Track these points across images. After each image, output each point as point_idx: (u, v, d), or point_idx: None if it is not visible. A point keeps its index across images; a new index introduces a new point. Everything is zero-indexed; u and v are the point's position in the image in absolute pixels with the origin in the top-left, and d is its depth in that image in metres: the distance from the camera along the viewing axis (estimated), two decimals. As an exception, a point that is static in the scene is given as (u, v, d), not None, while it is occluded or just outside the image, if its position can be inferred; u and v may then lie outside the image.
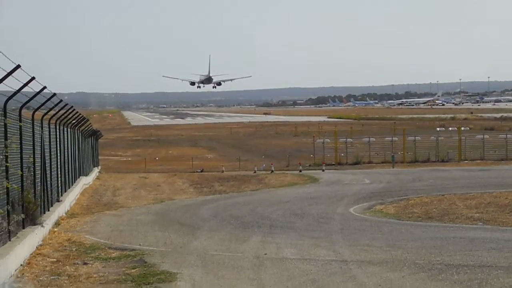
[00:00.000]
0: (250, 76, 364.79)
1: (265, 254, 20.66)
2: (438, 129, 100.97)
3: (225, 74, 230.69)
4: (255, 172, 59.69)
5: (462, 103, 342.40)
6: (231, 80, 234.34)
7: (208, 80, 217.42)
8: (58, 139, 31.51)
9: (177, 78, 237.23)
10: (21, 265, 18.53)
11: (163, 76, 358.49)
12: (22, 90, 19.80)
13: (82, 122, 42.48)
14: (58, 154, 31.74)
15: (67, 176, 35.73)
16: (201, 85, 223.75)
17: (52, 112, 28.59)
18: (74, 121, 38.00)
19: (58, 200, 30.69)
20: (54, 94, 25.25)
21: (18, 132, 20.85)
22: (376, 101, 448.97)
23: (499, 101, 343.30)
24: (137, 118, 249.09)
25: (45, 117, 27.56)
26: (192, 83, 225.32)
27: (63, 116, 31.90)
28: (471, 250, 20.47)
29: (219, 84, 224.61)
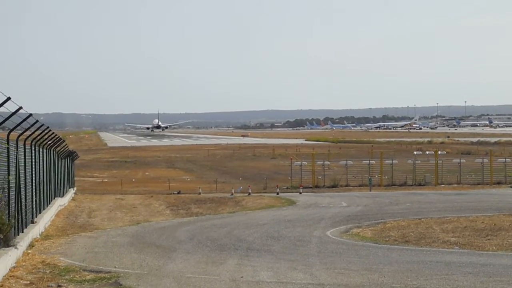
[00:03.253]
0: (190, 121, 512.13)
1: (242, 277, 20.52)
2: (415, 152, 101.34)
3: (170, 123, 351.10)
4: (232, 195, 59.51)
5: (436, 127, 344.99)
6: (175, 125, 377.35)
7: (157, 127, 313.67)
8: (33, 160, 31.27)
9: (136, 125, 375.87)
10: (-7, 287, 18.28)
11: (126, 124, 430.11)
12: (-2, 110, 19.62)
13: (58, 143, 42.20)
14: (33, 175, 31.46)
15: (42, 197, 35.43)
16: (154, 129, 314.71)
17: (28, 133, 28.35)
18: (50, 142, 37.74)
19: (32, 222, 30.40)
20: (30, 115, 25.04)
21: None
22: (354, 124, 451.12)
23: (476, 125, 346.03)
24: (113, 139, 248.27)
25: (20, 138, 27.32)
26: (147, 128, 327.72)
27: (39, 137, 31.69)
28: (447, 274, 20.46)
29: (166, 127, 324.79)
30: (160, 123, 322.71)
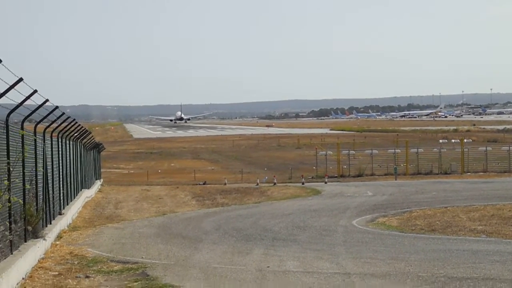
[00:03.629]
0: (211, 113, 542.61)
1: (268, 266, 20.56)
2: (440, 141, 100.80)
3: (191, 115, 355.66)
4: (257, 185, 59.63)
5: (462, 115, 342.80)
6: (199, 117, 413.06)
7: (180, 119, 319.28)
8: (60, 152, 31.48)
9: (160, 117, 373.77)
10: (23, 278, 18.46)
11: (150, 116, 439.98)
12: (25, 103, 19.76)
13: (84, 135, 42.44)
14: (60, 167, 31.69)
15: (69, 189, 35.68)
16: (177, 121, 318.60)
17: (55, 125, 28.53)
18: (76, 134, 37.98)
19: (60, 213, 30.66)
20: (57, 107, 25.18)
21: (20, 145, 20.79)
22: (379, 113, 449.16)
23: (502, 113, 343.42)
24: (139, 130, 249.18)
25: (47, 130, 27.51)
26: (171, 120, 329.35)
27: (65, 129, 31.89)
28: (474, 263, 20.38)
29: (188, 119, 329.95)
30: (182, 115, 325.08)
